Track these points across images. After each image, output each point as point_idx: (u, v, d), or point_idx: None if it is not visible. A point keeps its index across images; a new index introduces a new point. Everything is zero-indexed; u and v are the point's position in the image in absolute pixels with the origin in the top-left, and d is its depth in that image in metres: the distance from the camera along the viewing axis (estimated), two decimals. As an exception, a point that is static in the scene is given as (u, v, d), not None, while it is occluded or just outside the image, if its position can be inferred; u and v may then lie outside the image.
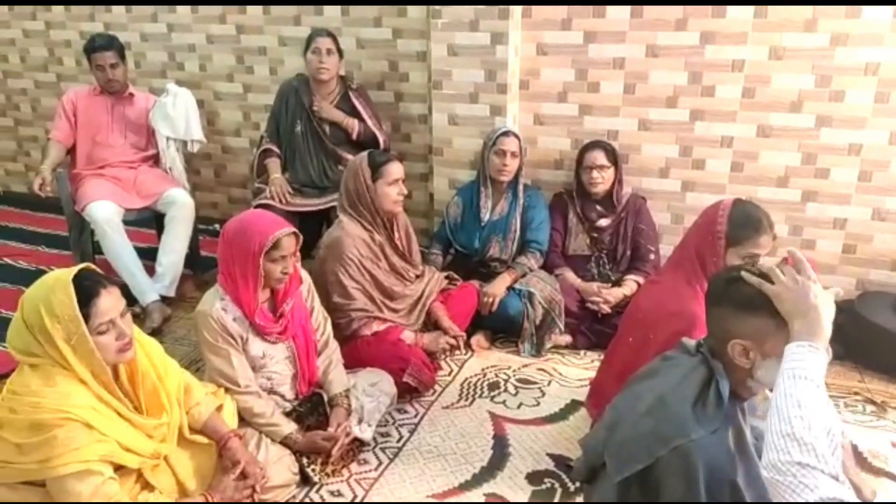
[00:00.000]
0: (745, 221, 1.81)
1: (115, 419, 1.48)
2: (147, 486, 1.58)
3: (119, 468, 1.49)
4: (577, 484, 1.95)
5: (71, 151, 3.20)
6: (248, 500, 1.73)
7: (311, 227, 3.01)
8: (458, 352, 2.68)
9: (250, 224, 1.92)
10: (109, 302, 1.46)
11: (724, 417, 1.25)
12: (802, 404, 0.99)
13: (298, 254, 2.00)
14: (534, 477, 2.03)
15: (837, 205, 2.84)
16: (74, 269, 1.46)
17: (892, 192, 2.75)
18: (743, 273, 1.25)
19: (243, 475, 1.74)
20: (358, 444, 2.12)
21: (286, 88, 3.18)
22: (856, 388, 2.45)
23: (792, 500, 0.91)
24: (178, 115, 3.22)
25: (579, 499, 1.90)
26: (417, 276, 2.69)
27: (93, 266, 1.53)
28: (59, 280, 1.42)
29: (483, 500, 1.93)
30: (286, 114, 3.15)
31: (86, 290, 1.42)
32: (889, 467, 2.00)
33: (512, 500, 1.92)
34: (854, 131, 2.72)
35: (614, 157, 2.88)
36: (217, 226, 3.85)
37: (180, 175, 3.29)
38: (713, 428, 1.22)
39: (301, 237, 1.99)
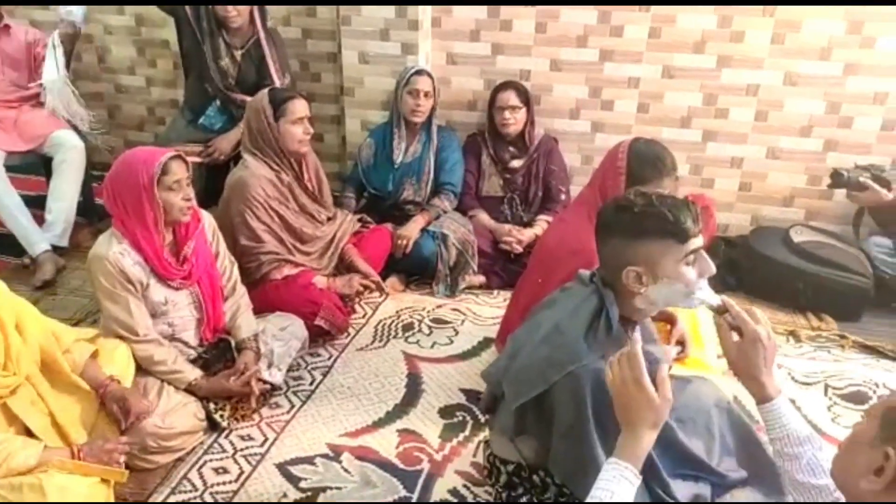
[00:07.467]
0: (644, 160, 1.83)
1: None
2: (15, 420, 1.50)
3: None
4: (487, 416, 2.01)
5: (-61, 90, 2.89)
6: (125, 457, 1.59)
7: (219, 175, 2.89)
8: (372, 294, 2.66)
9: (131, 158, 1.82)
10: None
11: (613, 343, 1.30)
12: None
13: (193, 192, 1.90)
14: (446, 411, 2.08)
15: (735, 144, 2.97)
16: None
17: (785, 132, 2.90)
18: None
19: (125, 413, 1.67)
20: (269, 389, 2.09)
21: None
22: (745, 316, 2.63)
23: None
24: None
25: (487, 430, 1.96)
26: (329, 219, 2.63)
27: None
28: None
29: (396, 437, 1.96)
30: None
31: None
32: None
33: (430, 441, 1.94)
34: (752, 71, 2.82)
35: (526, 98, 2.87)
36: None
37: (75, 112, 2.96)
38: (602, 353, 1.27)
39: (188, 162, 1.89)
